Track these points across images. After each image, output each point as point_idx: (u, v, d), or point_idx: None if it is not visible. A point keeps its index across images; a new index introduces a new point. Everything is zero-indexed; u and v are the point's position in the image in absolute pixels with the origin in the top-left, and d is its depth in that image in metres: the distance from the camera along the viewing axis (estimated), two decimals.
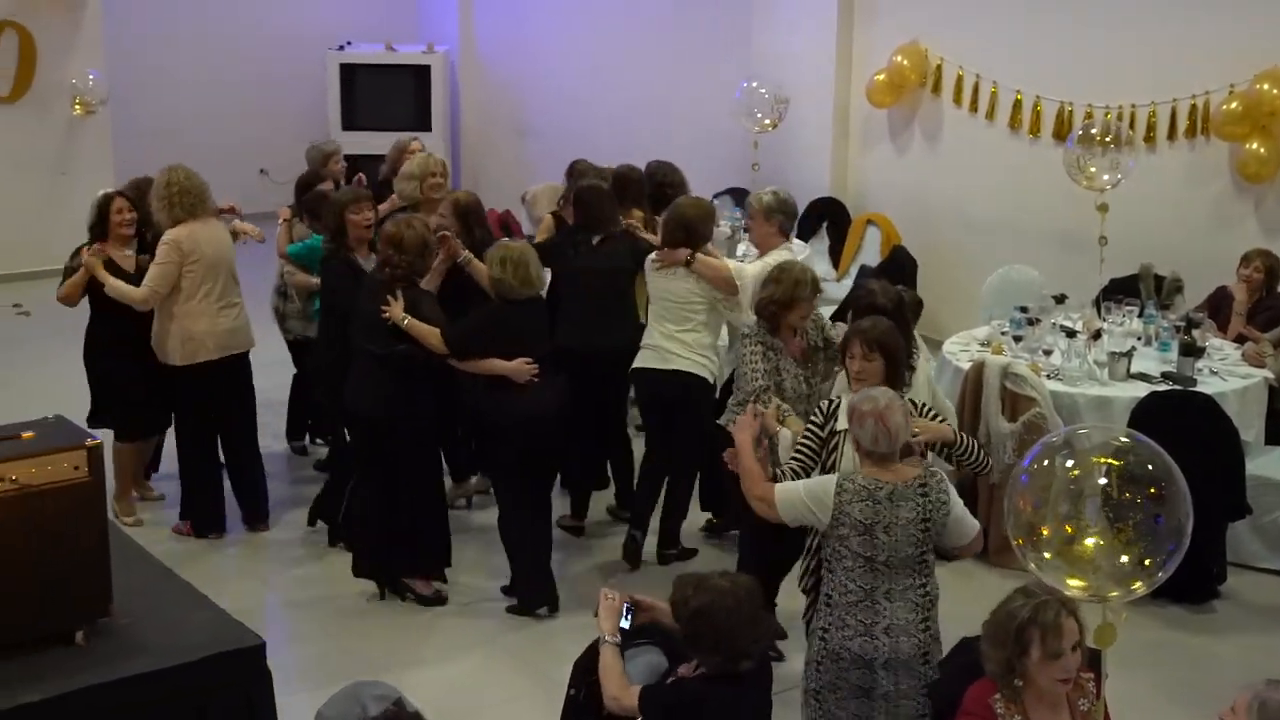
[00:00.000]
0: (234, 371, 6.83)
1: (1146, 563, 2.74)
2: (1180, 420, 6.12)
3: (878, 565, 4.25)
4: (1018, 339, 7.13)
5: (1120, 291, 7.70)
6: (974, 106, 9.67)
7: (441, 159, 7.53)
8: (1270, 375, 6.90)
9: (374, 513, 6.18)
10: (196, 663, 3.97)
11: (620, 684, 3.90)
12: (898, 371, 4.85)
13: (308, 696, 4.63)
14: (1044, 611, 3.51)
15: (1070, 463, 2.79)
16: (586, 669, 3.98)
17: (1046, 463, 2.81)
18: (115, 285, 6.61)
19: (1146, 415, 6.17)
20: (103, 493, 3.96)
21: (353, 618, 6.23)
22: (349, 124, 13.30)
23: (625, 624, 4.02)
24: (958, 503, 4.38)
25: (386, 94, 13.38)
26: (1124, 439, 2.81)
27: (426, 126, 13.37)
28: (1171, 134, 8.58)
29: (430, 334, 6.01)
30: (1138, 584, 2.79)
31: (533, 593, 6.21)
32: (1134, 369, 6.78)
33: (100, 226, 6.75)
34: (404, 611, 6.26)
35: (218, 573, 6.48)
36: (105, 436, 6.88)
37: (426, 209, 7.17)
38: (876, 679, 4.26)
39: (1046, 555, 2.75)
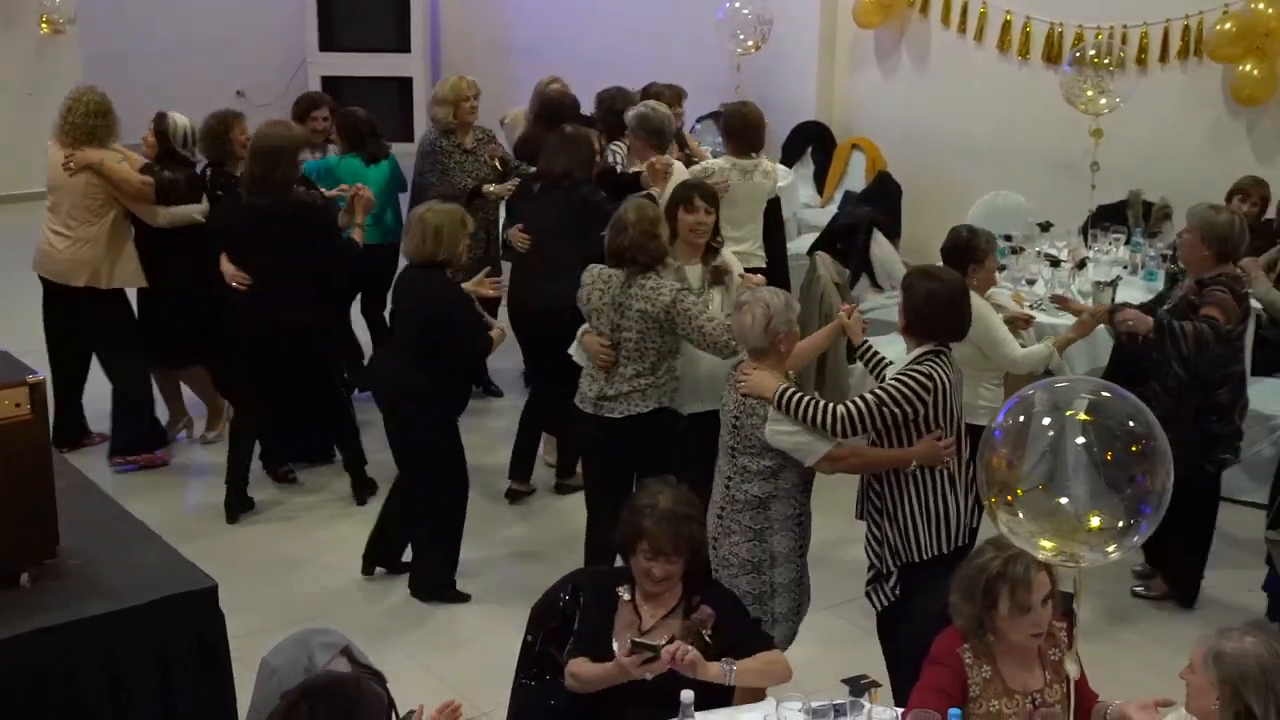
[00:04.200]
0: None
1: (1120, 525, 2.62)
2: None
3: (722, 435, 4.57)
4: (1001, 268, 6.97)
5: (1108, 219, 7.55)
6: (962, 27, 9.44)
7: (473, 80, 7.46)
8: (1257, 304, 6.77)
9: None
10: (148, 605, 3.87)
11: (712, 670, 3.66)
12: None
13: (250, 639, 4.56)
14: (1013, 565, 3.42)
15: (1047, 420, 2.64)
16: (542, 615, 3.85)
17: (1021, 418, 2.66)
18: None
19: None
20: (46, 431, 3.83)
21: (302, 561, 6.13)
22: (326, 45, 13.06)
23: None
24: (793, 430, 4.33)
25: (364, 13, 13.11)
26: (1104, 393, 2.66)
27: (406, 47, 13.13)
28: (1164, 56, 8.38)
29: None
30: (1111, 546, 2.67)
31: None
32: (1119, 298, 6.63)
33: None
34: (353, 552, 6.19)
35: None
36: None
37: (461, 133, 7.22)
38: None
39: (1020, 515, 2.62)
